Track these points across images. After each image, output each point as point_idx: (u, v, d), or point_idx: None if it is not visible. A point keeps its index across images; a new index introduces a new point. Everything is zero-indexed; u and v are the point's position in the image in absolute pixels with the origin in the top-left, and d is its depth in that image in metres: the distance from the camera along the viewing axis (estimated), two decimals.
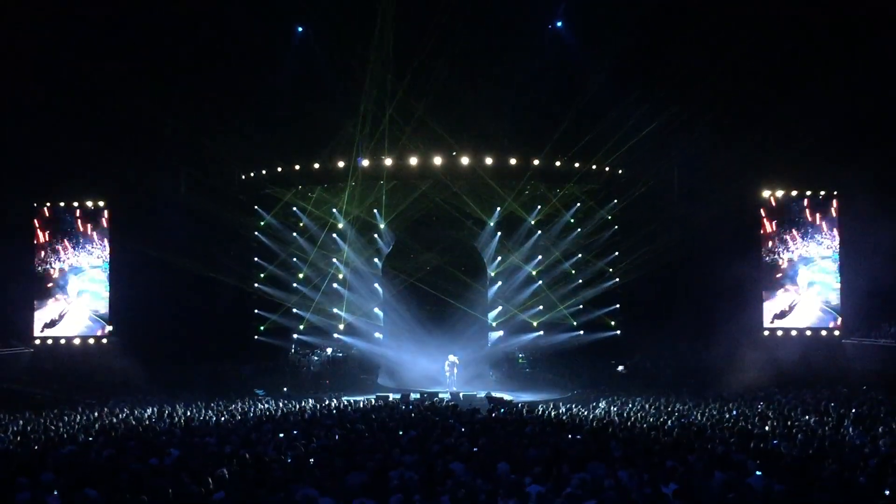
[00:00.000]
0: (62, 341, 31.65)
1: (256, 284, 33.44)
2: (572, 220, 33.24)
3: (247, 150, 31.55)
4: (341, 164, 31.46)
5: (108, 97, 29.32)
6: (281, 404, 24.79)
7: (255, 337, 33.19)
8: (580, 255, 33.39)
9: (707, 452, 13.50)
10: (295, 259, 33.51)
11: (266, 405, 24.88)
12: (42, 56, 28.67)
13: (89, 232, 32.09)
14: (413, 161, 31.14)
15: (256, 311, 33.40)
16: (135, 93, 29.16)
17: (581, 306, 33.18)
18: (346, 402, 24.98)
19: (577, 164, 31.82)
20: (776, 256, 31.59)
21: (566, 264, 33.33)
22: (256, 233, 33.57)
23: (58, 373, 30.26)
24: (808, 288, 31.44)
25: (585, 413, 22.07)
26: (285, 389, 30.05)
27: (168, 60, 29.39)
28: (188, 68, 29.52)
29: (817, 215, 31.59)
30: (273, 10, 30.30)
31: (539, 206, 33.21)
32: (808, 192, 31.65)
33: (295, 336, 33.44)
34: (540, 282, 33.33)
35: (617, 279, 33.12)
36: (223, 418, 21.17)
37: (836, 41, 27.33)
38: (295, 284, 33.37)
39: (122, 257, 31.55)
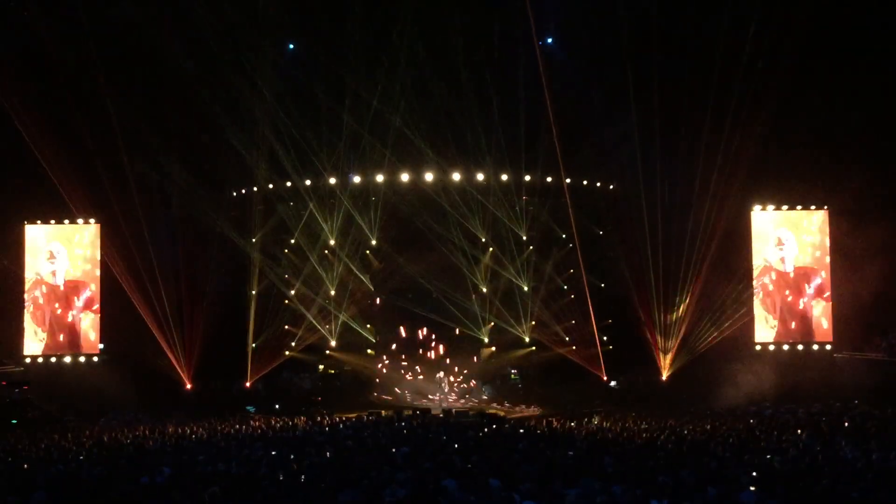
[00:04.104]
0: (53, 360, 31.49)
1: (248, 301, 33.38)
2: (563, 236, 33.29)
3: (238, 166, 31.57)
4: (333, 180, 31.53)
5: (99, 115, 29.26)
6: (273, 421, 24.71)
7: (247, 354, 33.06)
8: (572, 271, 33.42)
9: (700, 467, 13.49)
10: (287, 276, 33.47)
11: (258, 422, 24.81)
12: (33, 74, 28.63)
13: (80, 250, 31.96)
14: (404, 177, 31.24)
15: (249, 327, 33.32)
16: (126, 110, 29.22)
17: (573, 321, 33.20)
18: (338, 419, 24.92)
19: (567, 180, 31.95)
20: (767, 271, 31.62)
21: (558, 279, 33.39)
22: (248, 250, 33.52)
23: (49, 391, 30.07)
24: (799, 303, 31.48)
25: (578, 428, 22.06)
26: (277, 406, 29.95)
27: (159, 77, 29.38)
28: (179, 84, 29.50)
29: (807, 230, 31.65)
30: (265, 26, 30.35)
31: (530, 222, 33.30)
32: (799, 207, 31.74)
33: (287, 353, 33.35)
34: (532, 297, 33.36)
35: (609, 294, 33.14)
36: (215, 436, 21.08)
37: (824, 55, 27.47)
38: (286, 301, 33.32)
39: (114, 275, 31.40)
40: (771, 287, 31.55)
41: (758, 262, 31.63)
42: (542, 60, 30.34)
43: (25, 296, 31.46)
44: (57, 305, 31.64)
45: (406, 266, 33.33)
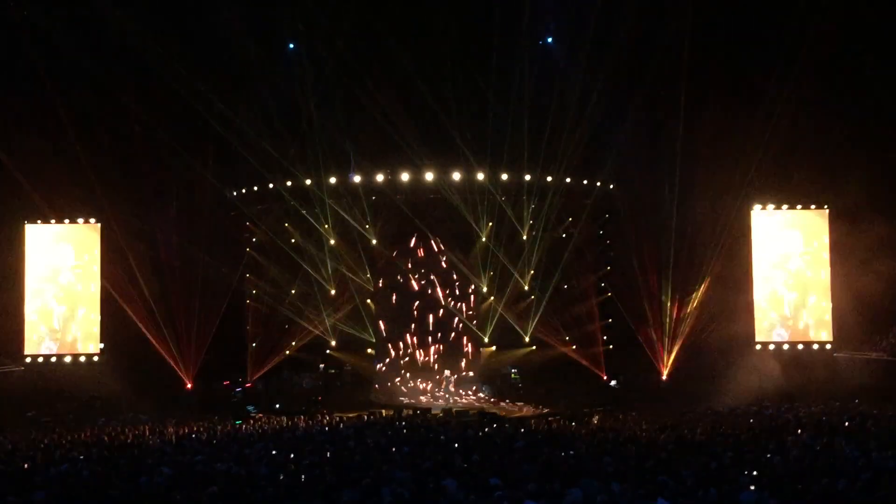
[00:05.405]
0: (53, 360, 31.49)
1: (248, 301, 33.38)
2: (564, 235, 33.29)
3: (238, 166, 31.55)
4: (333, 179, 31.54)
5: (100, 117, 29.27)
6: (273, 421, 24.69)
7: (247, 353, 33.07)
8: (574, 270, 33.41)
9: (700, 467, 13.48)
10: (286, 275, 33.45)
11: (258, 422, 24.80)
12: (35, 75, 28.61)
13: (81, 250, 31.96)
14: (405, 177, 31.27)
15: (248, 327, 33.33)
16: (126, 111, 29.22)
17: (574, 321, 33.19)
18: (338, 419, 24.92)
19: (568, 179, 31.97)
20: (767, 271, 31.61)
21: (558, 278, 33.37)
22: (248, 249, 33.52)
23: (48, 391, 30.07)
24: (799, 302, 31.47)
25: (578, 428, 22.05)
26: (277, 406, 29.97)
27: (159, 77, 29.33)
28: (179, 85, 29.46)
29: (809, 230, 31.65)
30: (265, 26, 30.33)
31: (531, 221, 33.27)
32: (799, 206, 31.72)
33: (287, 352, 33.35)
34: (532, 297, 33.35)
35: (609, 293, 33.16)
36: (214, 436, 21.07)
37: (825, 56, 27.46)
38: (287, 301, 33.30)
39: (114, 276, 31.40)
40: (772, 286, 31.52)
41: (758, 261, 31.61)
42: (544, 60, 30.45)
43: (26, 295, 31.49)
44: (57, 305, 31.66)
45: (406, 265, 33.38)
